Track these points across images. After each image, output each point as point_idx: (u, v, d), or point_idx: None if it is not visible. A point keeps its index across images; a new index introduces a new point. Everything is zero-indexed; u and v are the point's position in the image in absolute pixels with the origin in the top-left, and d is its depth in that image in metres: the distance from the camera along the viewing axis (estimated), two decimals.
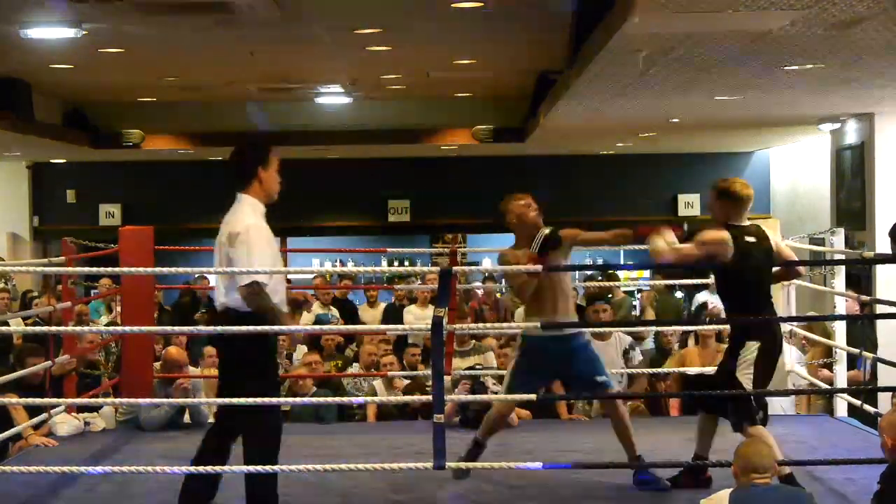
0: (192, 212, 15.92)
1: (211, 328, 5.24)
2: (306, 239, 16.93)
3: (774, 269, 5.81)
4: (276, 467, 5.10)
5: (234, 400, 5.00)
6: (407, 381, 8.19)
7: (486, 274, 13.75)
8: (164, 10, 7.72)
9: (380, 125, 13.96)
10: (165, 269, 5.44)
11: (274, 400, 5.15)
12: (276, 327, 5.05)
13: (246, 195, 5.13)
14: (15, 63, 10.09)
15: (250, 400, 4.95)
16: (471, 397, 7.06)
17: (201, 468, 5.15)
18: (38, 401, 6.52)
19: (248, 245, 4.98)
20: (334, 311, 11.03)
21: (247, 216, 5.08)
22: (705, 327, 8.42)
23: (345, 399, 7.87)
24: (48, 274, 11.18)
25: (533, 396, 5.92)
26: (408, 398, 7.62)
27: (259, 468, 5.03)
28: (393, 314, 11.25)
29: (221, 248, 5.11)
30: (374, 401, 7.78)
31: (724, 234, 5.46)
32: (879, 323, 9.40)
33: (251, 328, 4.96)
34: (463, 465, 5.44)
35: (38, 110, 11.67)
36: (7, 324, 9.37)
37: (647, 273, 16.18)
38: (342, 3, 7.93)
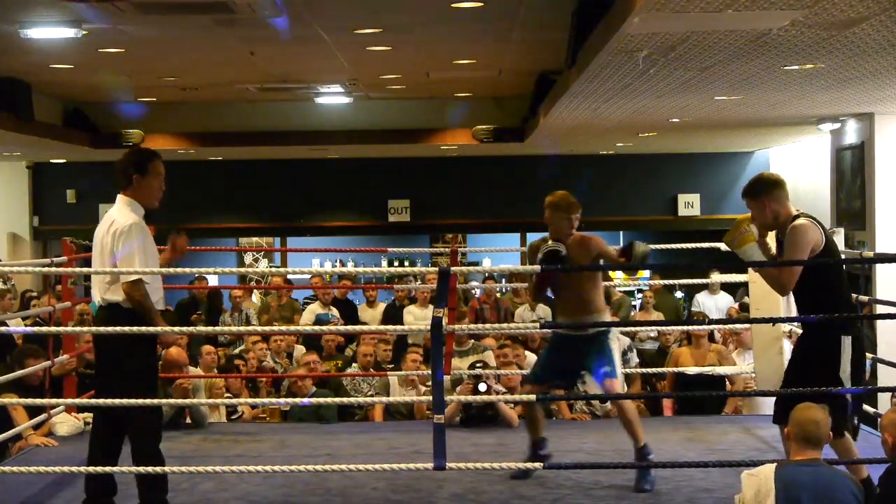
0: (192, 212, 15.92)
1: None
2: (306, 239, 16.93)
3: None
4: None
5: (228, 401, 4.99)
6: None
7: (486, 274, 13.75)
8: (164, 10, 7.72)
9: (380, 125, 13.95)
10: (165, 269, 5.45)
11: (275, 400, 5.15)
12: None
13: (125, 196, 5.33)
14: (15, 63, 10.08)
15: (253, 401, 4.95)
16: (471, 397, 7.07)
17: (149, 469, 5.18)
18: (38, 401, 6.53)
19: (132, 242, 5.13)
20: (334, 311, 11.02)
21: (129, 215, 5.22)
22: (701, 327, 8.41)
23: (344, 399, 7.87)
24: (48, 274, 11.16)
25: (533, 397, 5.92)
26: (407, 398, 7.61)
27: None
28: (393, 314, 11.25)
29: (104, 245, 5.21)
30: (378, 401, 7.77)
31: (813, 226, 4.98)
32: (879, 323, 9.40)
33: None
34: (462, 465, 5.42)
35: (38, 110, 11.65)
36: (6, 324, 9.37)
37: (646, 273, 16.18)
38: (342, 3, 7.93)
